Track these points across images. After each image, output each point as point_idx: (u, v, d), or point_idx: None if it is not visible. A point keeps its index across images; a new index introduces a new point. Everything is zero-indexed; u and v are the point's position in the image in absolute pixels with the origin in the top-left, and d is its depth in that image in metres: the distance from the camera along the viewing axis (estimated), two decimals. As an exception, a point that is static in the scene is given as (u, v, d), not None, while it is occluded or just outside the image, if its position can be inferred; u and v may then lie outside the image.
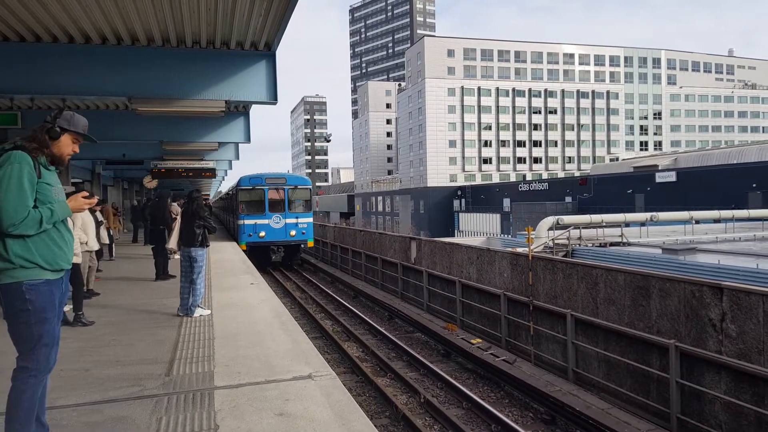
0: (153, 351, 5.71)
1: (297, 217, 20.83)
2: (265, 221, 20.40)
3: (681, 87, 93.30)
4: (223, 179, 35.41)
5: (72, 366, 5.14)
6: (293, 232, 20.75)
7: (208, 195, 45.48)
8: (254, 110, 18.71)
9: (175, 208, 11.54)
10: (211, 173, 20.95)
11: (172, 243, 8.29)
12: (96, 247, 9.17)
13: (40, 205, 3.02)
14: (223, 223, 36.82)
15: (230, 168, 27.20)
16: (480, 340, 11.96)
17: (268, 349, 5.70)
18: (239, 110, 14.19)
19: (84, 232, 8.42)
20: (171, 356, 5.50)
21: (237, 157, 21.17)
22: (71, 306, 7.28)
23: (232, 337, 6.26)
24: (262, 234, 20.25)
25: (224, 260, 13.97)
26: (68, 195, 3.31)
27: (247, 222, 20.36)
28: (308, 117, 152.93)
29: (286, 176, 22.10)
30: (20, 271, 2.95)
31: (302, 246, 22.19)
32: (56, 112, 3.26)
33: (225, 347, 5.80)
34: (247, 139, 14.78)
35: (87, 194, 3.37)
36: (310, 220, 21.53)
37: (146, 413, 4.02)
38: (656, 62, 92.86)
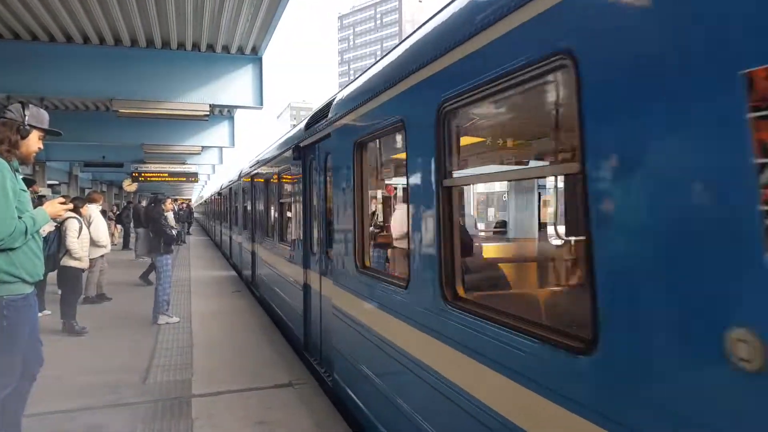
0: (130, 358, 5.58)
1: None
2: None
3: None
4: (206, 184, 34.96)
5: (44, 372, 5.01)
6: None
7: (189, 199, 44.79)
8: (239, 115, 18.61)
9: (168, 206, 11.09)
10: (194, 177, 20.78)
11: (140, 250, 8.13)
12: (109, 248, 8.91)
13: (19, 213, 2.78)
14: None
15: (213, 172, 26.96)
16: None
17: (249, 356, 5.62)
18: (224, 114, 14.10)
19: (96, 232, 8.19)
20: (148, 364, 5.38)
21: (221, 162, 21.00)
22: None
23: (213, 344, 6.15)
24: None
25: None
26: (41, 197, 3.18)
27: None
28: (294, 123, 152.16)
29: None
30: (2, 286, 2.73)
31: None
32: (18, 106, 2.94)
33: (204, 355, 5.70)
34: (232, 144, 14.68)
35: (63, 200, 3.20)
36: None
37: (122, 421, 3.92)
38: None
